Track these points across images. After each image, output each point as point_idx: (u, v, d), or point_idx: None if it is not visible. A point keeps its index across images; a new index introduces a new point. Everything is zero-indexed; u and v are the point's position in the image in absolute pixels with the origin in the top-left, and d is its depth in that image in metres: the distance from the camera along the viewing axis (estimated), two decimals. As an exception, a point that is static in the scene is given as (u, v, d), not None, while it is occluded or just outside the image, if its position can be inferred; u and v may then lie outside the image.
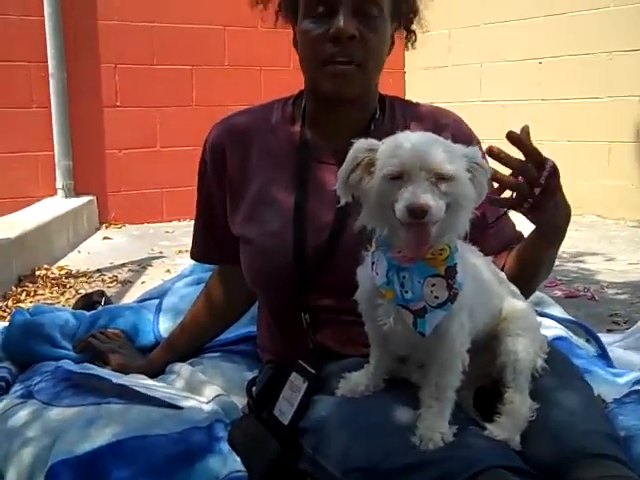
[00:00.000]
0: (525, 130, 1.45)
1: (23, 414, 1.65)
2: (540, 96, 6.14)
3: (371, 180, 1.28)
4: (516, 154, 1.41)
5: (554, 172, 1.42)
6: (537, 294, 2.35)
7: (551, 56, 6.06)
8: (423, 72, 6.81)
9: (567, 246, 4.38)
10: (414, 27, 1.72)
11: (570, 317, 2.26)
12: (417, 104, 1.79)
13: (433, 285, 1.29)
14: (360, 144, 1.32)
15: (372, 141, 1.31)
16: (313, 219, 1.59)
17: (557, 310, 2.29)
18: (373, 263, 1.34)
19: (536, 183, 1.41)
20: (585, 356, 2.00)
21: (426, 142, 1.26)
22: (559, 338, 2.02)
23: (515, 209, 1.47)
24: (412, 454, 1.28)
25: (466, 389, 1.42)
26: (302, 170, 1.64)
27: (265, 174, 1.67)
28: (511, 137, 1.40)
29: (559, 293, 3.61)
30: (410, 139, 1.27)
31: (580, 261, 4.30)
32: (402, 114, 1.71)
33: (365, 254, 1.38)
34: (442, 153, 1.23)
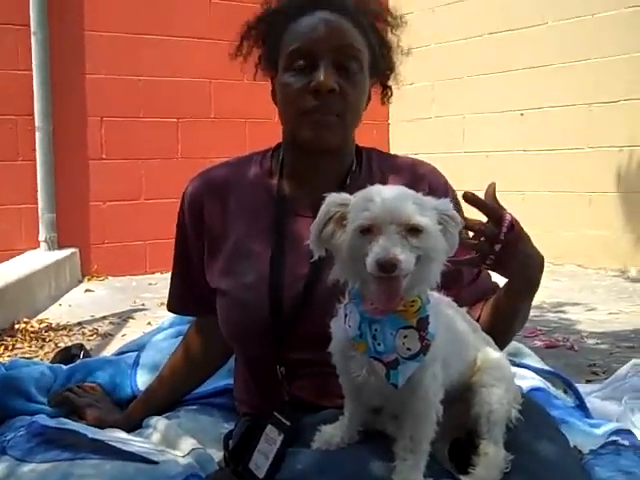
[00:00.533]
0: (491, 187, 1.48)
1: (-6, 471, 1.63)
2: (522, 147, 6.22)
3: (343, 234, 1.29)
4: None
5: (512, 226, 1.43)
6: (514, 344, 2.35)
7: (533, 107, 6.15)
8: (407, 124, 6.89)
9: (547, 296, 4.40)
10: (390, 83, 1.76)
11: (548, 367, 2.27)
12: (394, 156, 1.82)
13: (405, 337, 1.29)
14: (332, 198, 1.33)
15: (344, 195, 1.33)
16: (289, 272, 1.60)
17: (534, 360, 2.29)
18: (346, 315, 1.35)
19: (496, 239, 1.43)
20: (562, 406, 2.00)
21: (396, 195, 1.27)
22: (536, 389, 2.02)
23: (480, 267, 1.49)
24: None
25: (441, 440, 1.41)
26: (279, 223, 1.66)
27: (242, 227, 1.69)
28: (467, 198, 1.43)
29: (539, 343, 3.61)
30: (380, 193, 1.28)
31: (561, 311, 4.31)
32: (379, 166, 1.74)
33: (338, 306, 1.39)
34: (412, 206, 1.25)
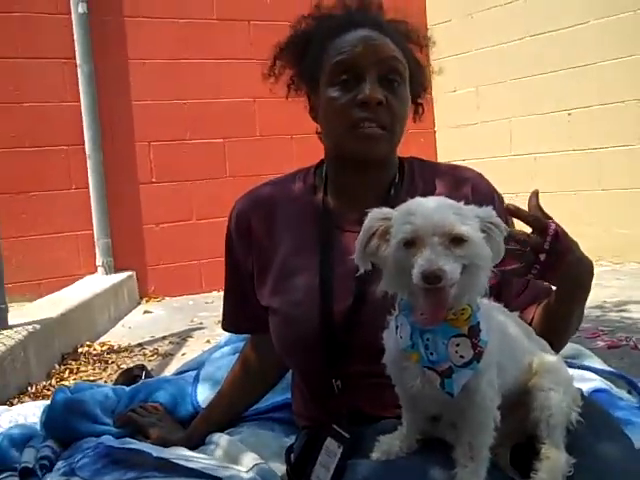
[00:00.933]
0: (534, 196, 1.47)
1: (66, 492, 1.67)
2: (571, 147, 6.14)
3: (387, 248, 1.31)
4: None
5: (557, 235, 1.43)
6: (575, 346, 2.33)
7: (580, 107, 6.08)
8: (453, 130, 6.86)
9: (608, 295, 4.33)
10: (420, 100, 1.77)
11: (610, 368, 2.24)
12: (436, 163, 1.83)
13: (457, 345, 1.30)
14: (374, 214, 1.35)
15: (386, 210, 1.34)
16: (338, 287, 1.61)
17: (596, 361, 2.26)
18: (397, 327, 1.36)
19: (540, 249, 1.42)
20: (626, 407, 1.97)
21: (437, 207, 1.28)
22: (598, 390, 2.00)
23: (526, 276, 1.48)
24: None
25: (501, 446, 1.41)
26: (325, 238, 1.67)
27: (289, 244, 1.71)
28: (509, 210, 1.43)
29: (601, 344, 3.55)
30: (421, 205, 1.30)
31: (622, 310, 4.23)
32: (420, 175, 1.74)
33: (389, 318, 1.40)
34: (453, 216, 1.26)
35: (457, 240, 1.24)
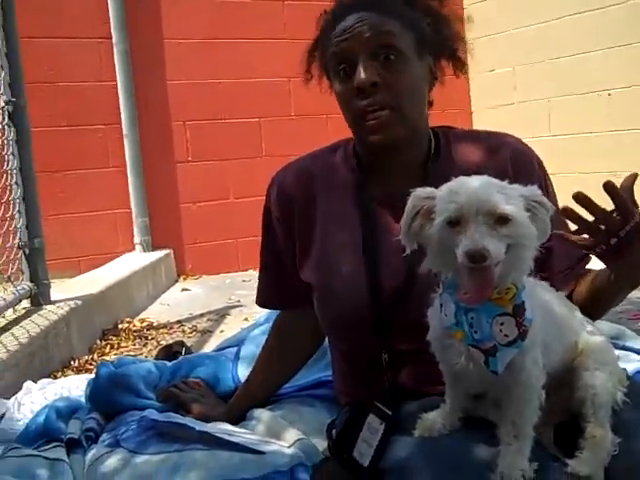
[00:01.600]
0: (630, 179, 1.43)
1: (112, 462, 1.70)
2: (612, 127, 6.06)
3: (431, 227, 1.31)
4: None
5: (638, 226, 1.40)
6: (618, 327, 2.32)
7: (620, 87, 5.98)
8: (490, 111, 6.79)
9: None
10: (459, 54, 1.71)
11: (653, 349, 2.22)
12: (472, 131, 1.80)
13: (502, 324, 1.30)
14: (418, 193, 1.35)
15: (429, 189, 1.34)
16: (385, 262, 1.61)
17: (639, 343, 2.25)
18: (441, 305, 1.36)
19: (615, 234, 1.40)
20: (669, 389, 1.96)
21: (481, 186, 1.28)
22: (641, 371, 1.99)
23: (587, 250, 1.47)
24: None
25: (545, 425, 1.41)
26: (365, 214, 1.66)
27: (329, 218, 1.71)
28: (607, 187, 1.38)
29: (643, 325, 3.52)
30: (465, 184, 1.29)
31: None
32: (457, 145, 1.71)
33: (433, 296, 1.40)
34: (498, 195, 1.25)
35: (501, 219, 1.24)
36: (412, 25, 1.61)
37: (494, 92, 6.46)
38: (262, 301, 1.93)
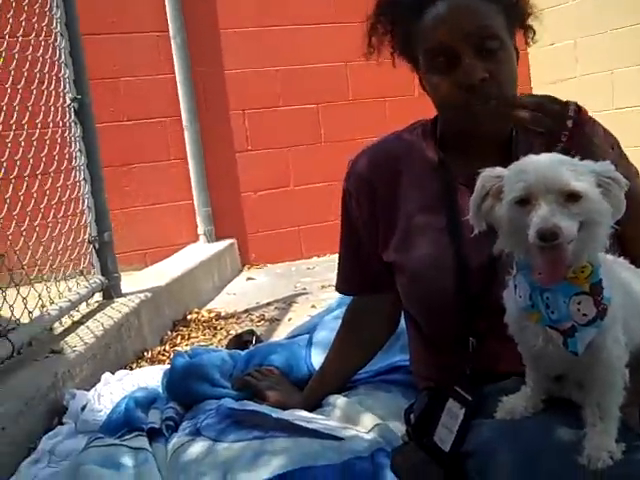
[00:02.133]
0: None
1: (194, 450, 1.73)
2: (677, 98, 5.89)
3: (501, 207, 1.29)
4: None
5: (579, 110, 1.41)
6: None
7: (687, 56, 5.82)
8: (550, 86, 6.66)
9: None
10: (529, 22, 1.68)
11: None
12: None
13: (579, 303, 1.27)
14: (487, 173, 1.34)
15: (498, 169, 1.33)
16: (470, 243, 1.57)
17: None
18: (516, 286, 1.34)
19: (565, 117, 1.41)
20: None
21: (550, 163, 1.26)
22: None
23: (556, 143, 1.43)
24: (581, 475, 1.26)
25: (631, 405, 1.38)
26: (448, 195, 1.65)
27: (413, 199, 1.69)
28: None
29: None
30: (534, 162, 1.27)
31: None
32: None
33: (507, 278, 1.39)
34: (567, 172, 1.23)
35: (572, 197, 1.22)
36: (500, 4, 1.58)
37: (555, 66, 6.33)
38: (342, 287, 1.92)
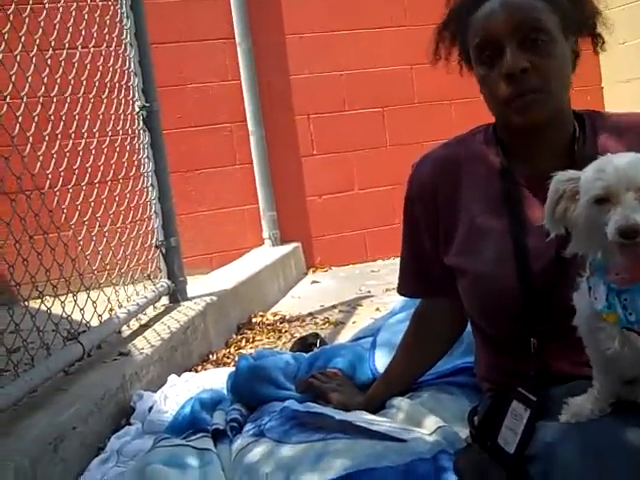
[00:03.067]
0: None
1: (257, 451, 1.75)
2: None
3: (577, 208, 1.28)
4: None
5: None
6: None
7: None
8: (622, 85, 6.52)
9: None
10: (598, 30, 1.66)
11: None
12: (619, 114, 1.74)
13: None
14: (560, 177, 1.33)
15: (572, 172, 1.32)
16: (532, 246, 1.58)
17: None
18: (590, 288, 1.32)
19: None
20: None
21: (630, 162, 1.24)
22: None
23: None
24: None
25: None
26: (511, 197, 1.64)
27: (475, 203, 1.69)
28: None
29: None
30: (612, 161, 1.26)
31: None
32: (603, 128, 1.67)
33: (579, 280, 1.37)
34: None
35: None
36: (557, 6, 1.58)
37: (627, 65, 6.19)
38: (404, 290, 1.93)
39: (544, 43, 1.55)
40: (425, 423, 1.76)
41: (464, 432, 1.72)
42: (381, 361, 2.12)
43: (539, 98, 1.55)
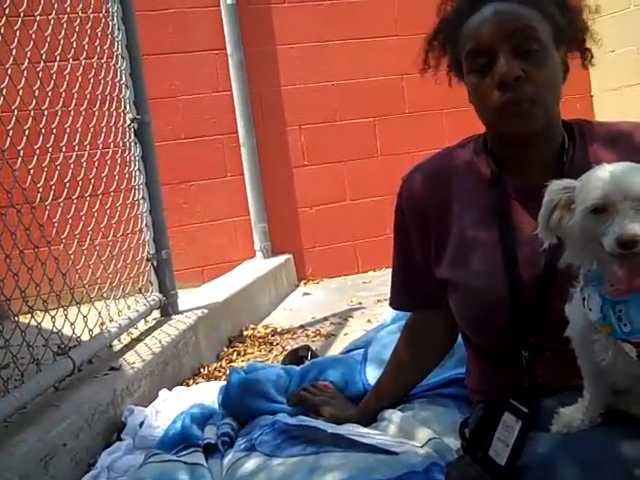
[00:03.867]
0: None
1: (249, 465, 1.74)
2: None
3: (572, 217, 1.28)
4: None
5: None
6: None
7: None
8: (612, 93, 6.54)
9: None
10: (587, 45, 1.68)
11: None
12: (609, 124, 1.75)
13: None
14: (554, 186, 1.32)
15: (567, 180, 1.32)
16: (522, 258, 1.59)
17: None
18: (584, 299, 1.32)
19: None
20: None
21: (626, 171, 1.24)
22: None
23: None
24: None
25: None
26: (501, 209, 1.65)
27: (464, 215, 1.69)
28: None
29: None
30: (609, 170, 1.26)
31: None
32: (593, 138, 1.67)
33: (573, 291, 1.37)
34: None
35: None
36: (549, 16, 1.59)
37: (616, 74, 6.22)
38: (396, 303, 1.93)
39: (537, 52, 1.55)
40: (417, 435, 1.76)
41: (456, 444, 1.71)
42: (372, 373, 2.12)
43: (531, 109, 1.55)
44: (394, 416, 1.88)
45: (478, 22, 1.58)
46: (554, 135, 1.66)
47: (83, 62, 3.17)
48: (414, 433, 1.77)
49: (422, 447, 1.70)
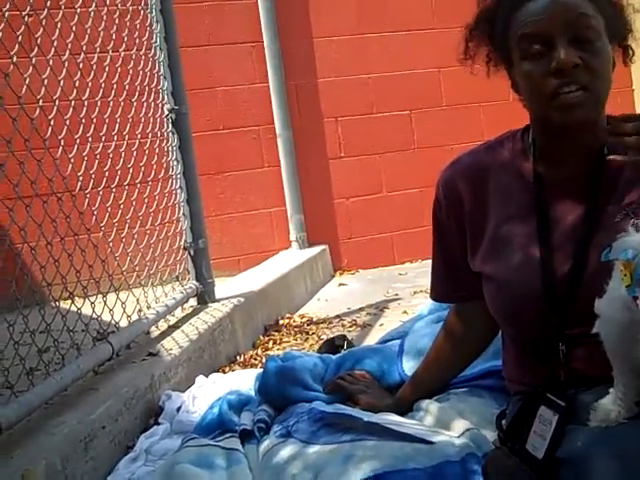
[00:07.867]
0: None
1: (285, 452, 1.75)
2: None
3: None
4: None
5: None
6: None
7: None
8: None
9: None
10: (629, 42, 1.67)
11: None
12: None
13: None
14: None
15: None
16: (558, 252, 1.59)
17: None
18: (635, 298, 1.30)
19: None
20: None
21: None
22: None
23: None
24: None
25: None
26: (541, 204, 1.64)
27: (501, 209, 1.69)
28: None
29: None
30: None
31: None
32: None
33: (606, 287, 1.36)
34: None
35: None
36: (602, 9, 1.58)
37: (656, 67, 6.13)
38: (437, 295, 1.94)
39: (593, 42, 1.54)
40: (453, 426, 1.75)
41: (492, 435, 1.71)
42: (408, 365, 2.12)
43: (585, 97, 1.53)
44: (431, 406, 1.88)
45: (537, 8, 1.56)
46: (599, 129, 1.64)
47: (122, 54, 3.21)
48: (451, 424, 1.77)
49: (458, 437, 1.69)
